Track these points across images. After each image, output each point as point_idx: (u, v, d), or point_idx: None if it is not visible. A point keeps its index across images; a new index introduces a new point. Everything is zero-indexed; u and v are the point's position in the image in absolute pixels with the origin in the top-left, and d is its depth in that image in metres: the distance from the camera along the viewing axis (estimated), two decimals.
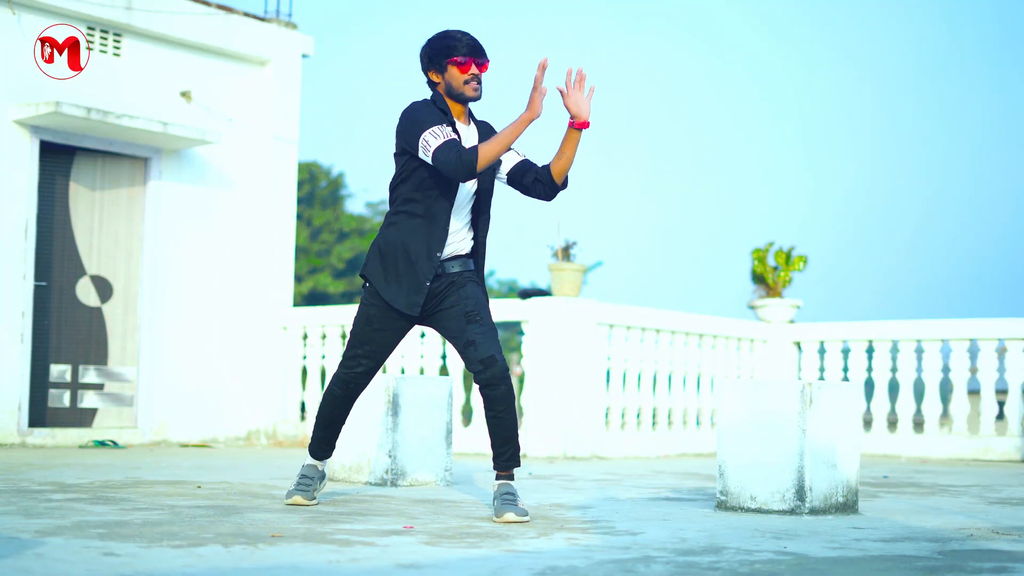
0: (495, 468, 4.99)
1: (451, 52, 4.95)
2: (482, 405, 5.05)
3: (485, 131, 5.13)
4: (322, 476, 5.45)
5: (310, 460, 5.43)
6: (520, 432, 10.78)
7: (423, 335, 11.55)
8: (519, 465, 5.01)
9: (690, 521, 4.98)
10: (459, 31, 5.02)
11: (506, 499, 4.88)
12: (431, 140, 4.84)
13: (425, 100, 5.09)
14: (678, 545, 4.14)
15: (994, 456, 11.12)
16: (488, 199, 5.15)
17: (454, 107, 5.04)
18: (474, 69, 4.96)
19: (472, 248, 5.14)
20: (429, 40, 5.06)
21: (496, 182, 5.18)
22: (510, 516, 4.78)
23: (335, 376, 5.26)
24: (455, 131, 4.93)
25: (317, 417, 5.38)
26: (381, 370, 11.34)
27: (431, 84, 5.08)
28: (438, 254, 4.99)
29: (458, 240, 5.08)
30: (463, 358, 4.98)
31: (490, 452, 5.16)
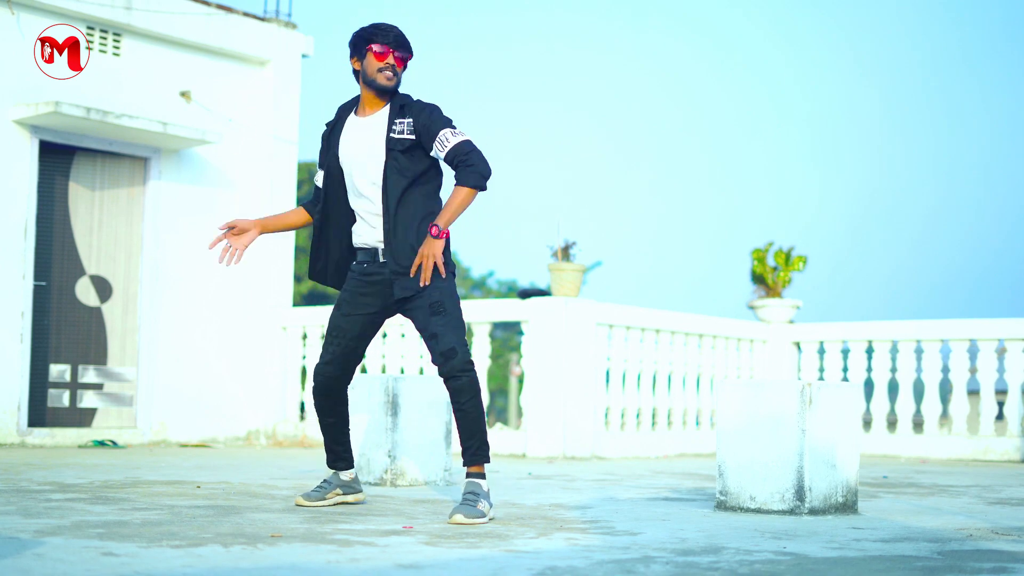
0: (464, 464, 4.93)
1: (372, 39, 5.03)
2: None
3: (397, 113, 5.02)
4: (344, 486, 5.34)
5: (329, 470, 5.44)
6: (520, 432, 10.80)
7: None
8: (487, 460, 4.92)
9: (690, 521, 4.98)
10: (390, 24, 5.07)
11: (466, 499, 4.80)
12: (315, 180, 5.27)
13: (340, 106, 5.23)
14: (678, 545, 4.14)
15: (994, 456, 11.12)
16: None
17: (366, 95, 5.09)
18: (390, 59, 5.00)
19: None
20: (363, 28, 5.10)
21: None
22: (458, 517, 4.67)
23: None
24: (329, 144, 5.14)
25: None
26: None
27: (354, 72, 5.14)
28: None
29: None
30: (429, 348, 4.96)
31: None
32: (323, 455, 9.83)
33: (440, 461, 6.92)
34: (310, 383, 12.09)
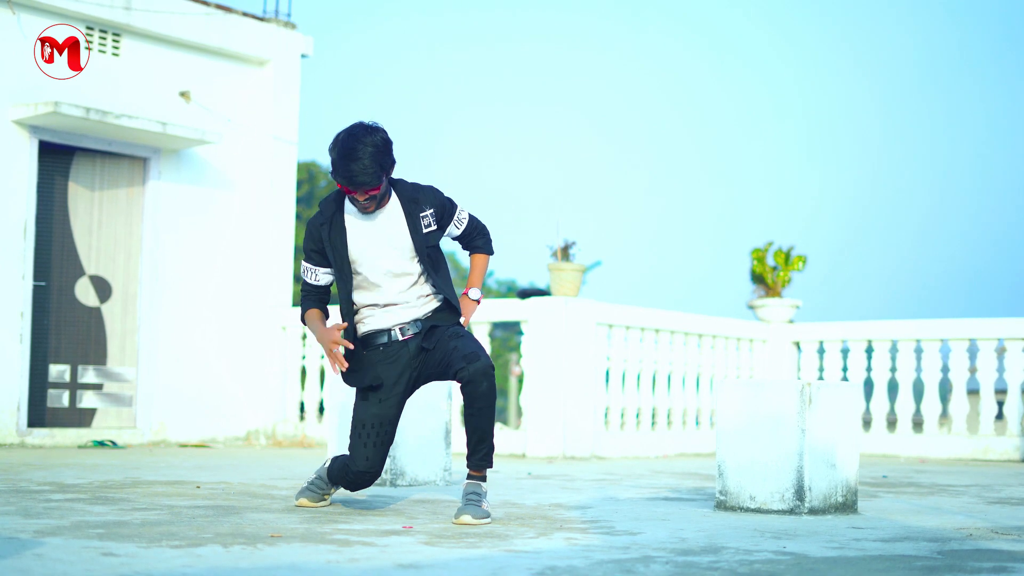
0: (468, 467, 4.94)
1: (336, 176, 4.78)
2: (461, 402, 4.98)
3: (414, 206, 4.95)
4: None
5: (325, 476, 5.33)
6: (519, 432, 10.80)
7: None
8: (491, 466, 4.95)
9: (689, 521, 4.98)
10: (353, 154, 4.70)
11: (470, 499, 4.83)
12: (303, 276, 5.13)
13: (325, 200, 5.01)
14: (677, 545, 4.14)
15: (993, 456, 11.12)
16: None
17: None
18: (360, 195, 4.80)
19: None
20: (334, 142, 4.77)
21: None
22: (466, 518, 4.71)
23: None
24: (323, 248, 4.94)
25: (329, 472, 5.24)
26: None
27: None
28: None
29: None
30: (449, 364, 4.90)
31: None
32: (322, 456, 9.85)
33: (440, 461, 6.92)
34: (310, 383, 12.18)
